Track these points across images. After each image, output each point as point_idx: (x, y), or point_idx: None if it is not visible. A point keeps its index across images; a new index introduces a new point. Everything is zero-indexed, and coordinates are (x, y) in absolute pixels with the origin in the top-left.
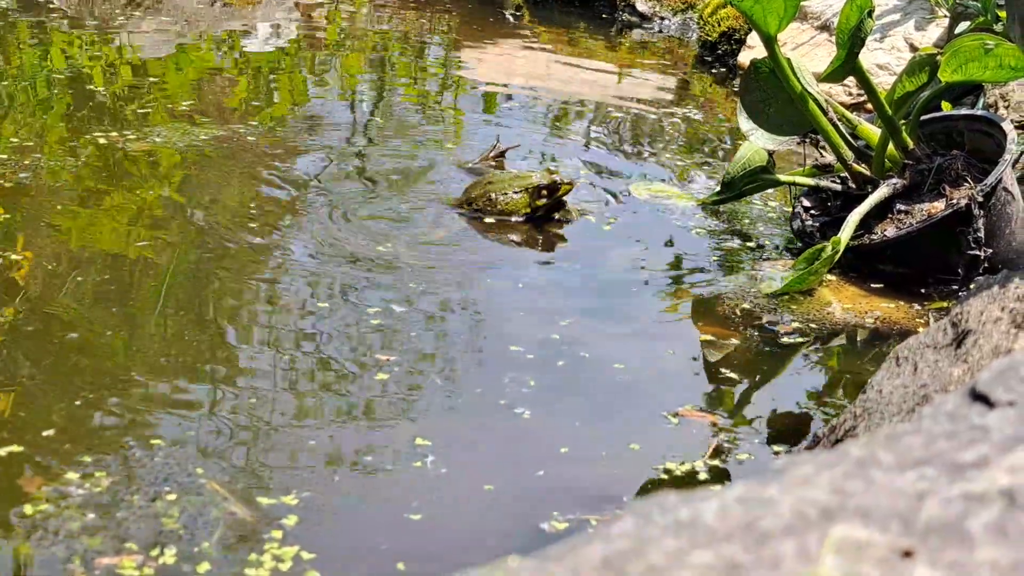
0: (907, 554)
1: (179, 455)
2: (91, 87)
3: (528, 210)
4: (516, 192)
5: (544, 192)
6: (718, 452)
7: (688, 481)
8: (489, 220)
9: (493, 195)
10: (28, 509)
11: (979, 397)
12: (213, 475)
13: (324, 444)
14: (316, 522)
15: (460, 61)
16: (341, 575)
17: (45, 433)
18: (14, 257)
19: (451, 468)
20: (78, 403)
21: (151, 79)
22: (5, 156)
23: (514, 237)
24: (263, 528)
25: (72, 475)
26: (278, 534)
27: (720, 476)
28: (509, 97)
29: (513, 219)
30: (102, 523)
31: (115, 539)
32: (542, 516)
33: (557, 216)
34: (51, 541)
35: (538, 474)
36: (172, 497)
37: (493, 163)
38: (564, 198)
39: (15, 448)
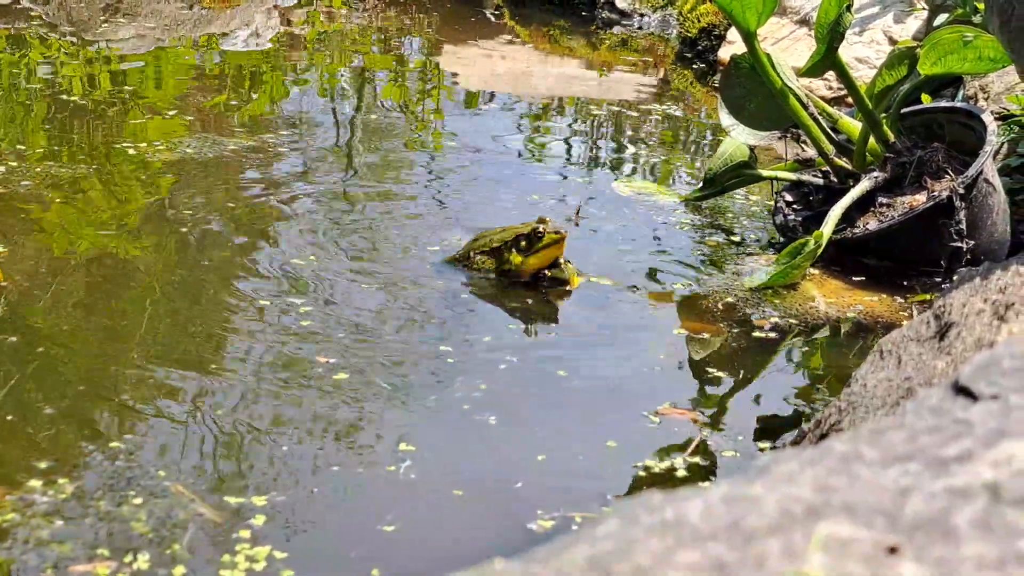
0: (893, 550)
1: (141, 459)
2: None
3: (508, 267)
4: (495, 247)
5: (523, 243)
6: (700, 449)
7: (669, 479)
8: (473, 278)
9: (472, 253)
10: None
11: (962, 391)
12: (176, 478)
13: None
14: (284, 522)
15: (441, 61)
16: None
17: (15, 437)
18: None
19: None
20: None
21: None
22: (39, 168)
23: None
24: (233, 528)
25: (34, 483)
26: (246, 534)
27: (704, 473)
28: (491, 96)
29: (493, 276)
30: (71, 529)
31: (85, 545)
32: (527, 515)
33: (549, 273)
34: (21, 550)
35: (517, 485)
36: (138, 501)
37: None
38: (560, 259)
39: None
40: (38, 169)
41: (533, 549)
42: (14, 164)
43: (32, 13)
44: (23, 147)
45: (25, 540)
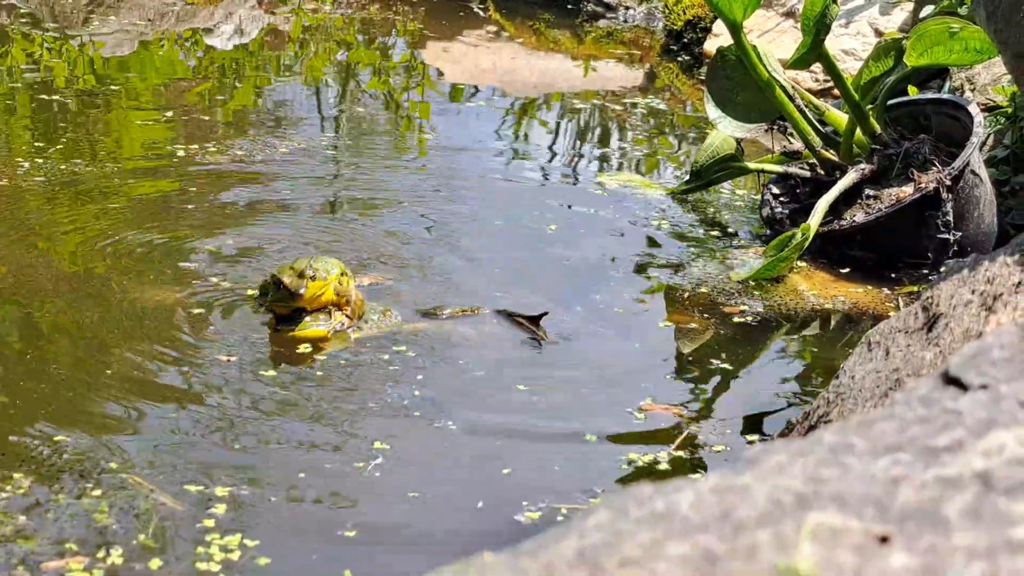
0: (883, 540)
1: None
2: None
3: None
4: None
5: (282, 288)
6: (686, 443)
7: (654, 474)
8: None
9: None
10: None
11: (952, 381)
12: (130, 470)
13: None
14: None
15: (426, 55)
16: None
17: None
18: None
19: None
20: None
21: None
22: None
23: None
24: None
25: None
26: (211, 523)
27: (691, 467)
28: (476, 90)
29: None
30: (35, 525)
31: (53, 541)
32: (513, 508)
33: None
34: None
35: (504, 471)
36: (97, 493)
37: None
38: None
39: None
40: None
41: (521, 542)
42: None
43: (16, 8)
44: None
45: None
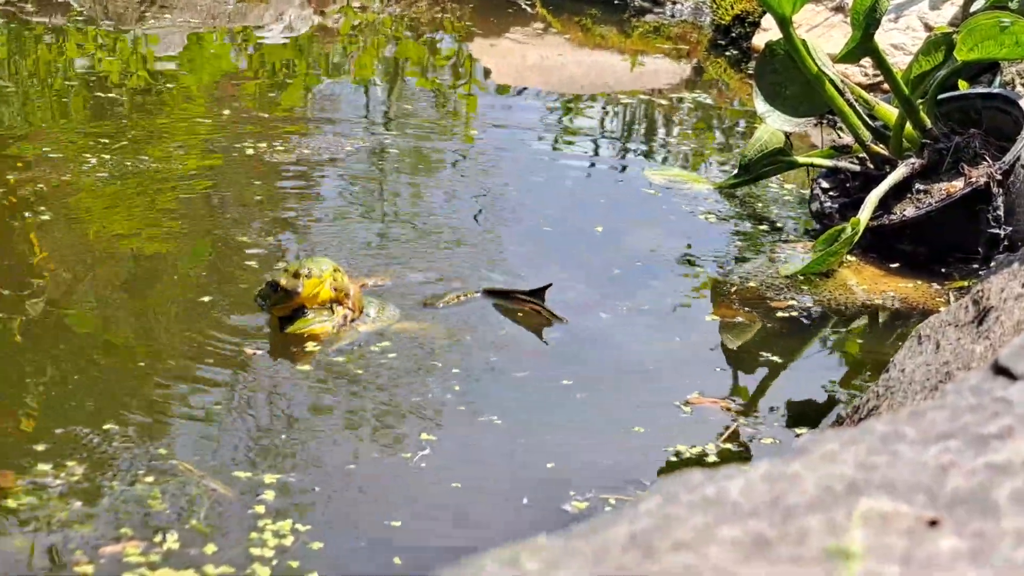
0: (933, 524)
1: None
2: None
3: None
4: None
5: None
6: (734, 436)
7: (703, 465)
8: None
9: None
10: (11, 503)
11: (1002, 371)
12: (179, 456)
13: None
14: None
15: (473, 51)
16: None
17: (6, 425)
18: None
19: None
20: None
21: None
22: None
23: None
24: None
25: (44, 466)
26: (261, 509)
27: (739, 460)
28: (521, 87)
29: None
30: (90, 511)
31: (109, 526)
32: (561, 497)
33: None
34: (46, 532)
35: (548, 465)
36: (149, 479)
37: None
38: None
39: None
40: (93, 160)
41: (574, 526)
42: (58, 155)
43: (71, 7)
44: (62, 139)
45: (47, 523)
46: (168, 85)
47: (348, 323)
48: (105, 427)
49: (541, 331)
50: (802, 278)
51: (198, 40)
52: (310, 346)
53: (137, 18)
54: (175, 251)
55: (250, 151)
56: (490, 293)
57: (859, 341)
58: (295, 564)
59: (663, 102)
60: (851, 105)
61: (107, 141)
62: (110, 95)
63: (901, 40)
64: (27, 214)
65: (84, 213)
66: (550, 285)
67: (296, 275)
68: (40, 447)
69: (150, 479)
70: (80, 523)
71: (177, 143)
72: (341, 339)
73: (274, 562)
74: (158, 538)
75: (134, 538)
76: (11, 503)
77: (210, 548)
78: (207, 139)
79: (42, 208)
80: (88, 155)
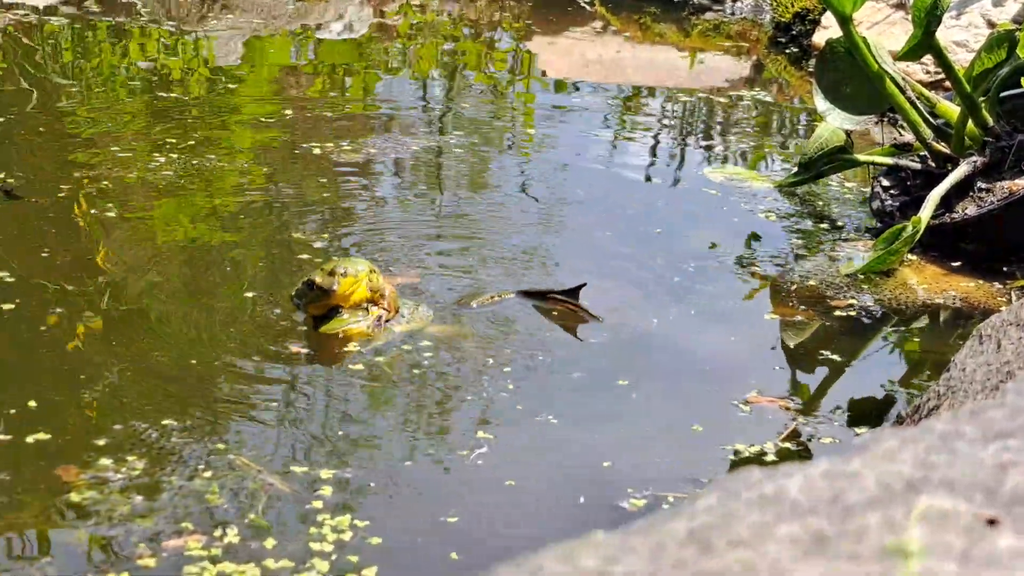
0: (992, 522)
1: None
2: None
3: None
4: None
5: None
6: (794, 435)
7: (762, 464)
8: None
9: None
10: (75, 497)
11: None
12: (236, 452)
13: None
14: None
15: (532, 49)
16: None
17: (68, 420)
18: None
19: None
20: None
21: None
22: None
23: None
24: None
25: (105, 461)
26: (319, 504)
27: (800, 459)
28: (579, 85)
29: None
30: (151, 505)
31: (170, 520)
32: (618, 495)
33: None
34: (108, 526)
35: (605, 464)
36: (208, 474)
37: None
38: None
39: (41, 436)
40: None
41: (631, 522)
42: (125, 154)
43: (135, 6)
44: (127, 138)
45: (109, 517)
46: (230, 85)
47: (383, 323)
48: (163, 422)
49: (576, 330)
50: (862, 277)
51: (259, 40)
52: (351, 345)
53: (199, 18)
54: (237, 250)
55: (316, 151)
56: (525, 294)
57: (919, 340)
58: (354, 559)
59: (722, 100)
60: (912, 103)
61: (173, 141)
62: (173, 94)
63: (963, 37)
64: (92, 211)
65: (148, 211)
66: (584, 284)
67: (332, 273)
68: (101, 442)
69: (208, 474)
70: (142, 517)
71: (241, 144)
72: (378, 339)
73: (333, 556)
74: (218, 532)
75: (195, 532)
76: (75, 497)
77: (270, 542)
78: (273, 138)
79: (109, 205)
80: (155, 154)
